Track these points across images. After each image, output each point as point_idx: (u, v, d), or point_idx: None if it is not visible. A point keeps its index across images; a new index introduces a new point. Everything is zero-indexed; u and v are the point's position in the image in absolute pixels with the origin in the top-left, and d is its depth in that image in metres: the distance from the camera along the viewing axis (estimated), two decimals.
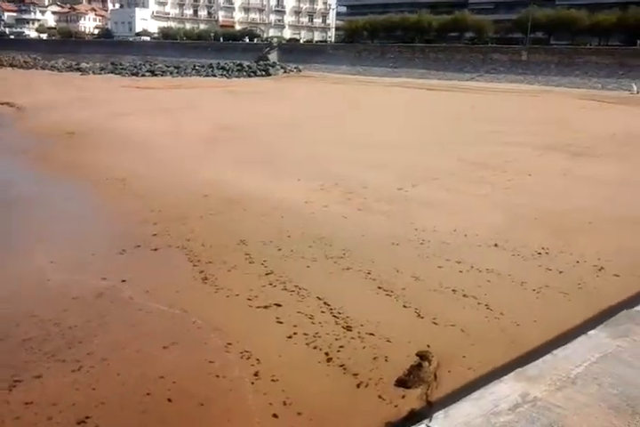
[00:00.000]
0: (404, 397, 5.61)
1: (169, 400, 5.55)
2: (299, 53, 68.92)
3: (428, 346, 6.46)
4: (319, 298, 7.70)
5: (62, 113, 27.48)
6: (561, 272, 8.70)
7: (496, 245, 9.89)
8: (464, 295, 7.83)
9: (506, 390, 4.35)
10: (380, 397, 5.62)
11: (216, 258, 9.15)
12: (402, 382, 5.83)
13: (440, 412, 4.15)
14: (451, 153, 18.32)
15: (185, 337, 6.76)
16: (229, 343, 6.55)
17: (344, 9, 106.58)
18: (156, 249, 9.59)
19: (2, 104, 31.93)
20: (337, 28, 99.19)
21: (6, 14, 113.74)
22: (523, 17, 64.84)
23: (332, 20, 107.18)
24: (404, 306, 7.51)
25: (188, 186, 13.67)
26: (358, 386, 5.81)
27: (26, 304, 7.57)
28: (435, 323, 7.07)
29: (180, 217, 11.29)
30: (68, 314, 7.32)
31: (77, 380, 5.86)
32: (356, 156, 17.41)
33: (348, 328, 6.90)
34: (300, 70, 63.50)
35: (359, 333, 6.80)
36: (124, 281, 8.27)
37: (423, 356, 6.24)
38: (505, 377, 4.61)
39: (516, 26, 67.09)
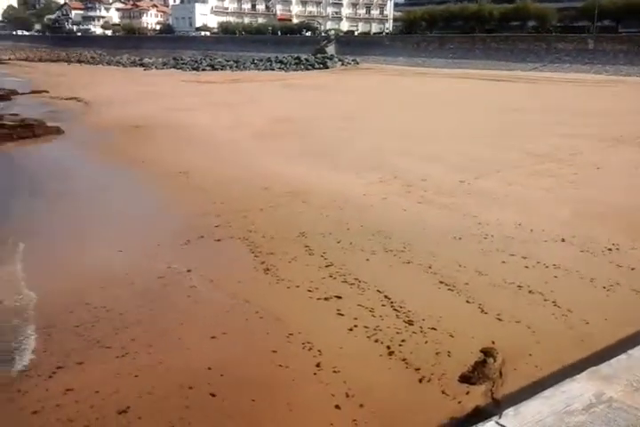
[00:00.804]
0: (468, 393, 5.52)
1: (228, 388, 5.65)
2: (356, 46, 68.56)
3: (493, 342, 6.33)
4: (379, 291, 7.67)
5: (127, 107, 28.33)
6: (633, 269, 8.34)
7: (563, 240, 9.57)
8: (530, 291, 7.62)
9: (578, 389, 4.20)
10: (443, 392, 5.55)
11: (277, 249, 9.24)
12: (466, 379, 5.73)
13: (510, 409, 4.05)
14: (514, 145, 17.83)
15: (248, 327, 6.87)
16: (291, 334, 6.61)
17: (402, 0, 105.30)
18: (218, 240, 9.78)
19: (70, 99, 33.22)
20: (395, 20, 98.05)
21: (74, 12, 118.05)
22: (589, 4, 62.27)
23: (389, 11, 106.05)
24: (467, 301, 7.38)
25: (249, 179, 13.84)
26: (420, 381, 5.75)
27: (89, 293, 7.87)
28: (499, 319, 6.91)
29: (242, 209, 11.46)
30: (131, 302, 7.57)
31: (139, 367, 6.04)
32: (415, 148, 17.21)
33: (410, 322, 6.83)
34: (357, 63, 63.15)
35: (421, 327, 6.73)
36: (188, 271, 8.48)
37: (488, 352, 6.12)
38: (577, 376, 4.45)
39: (582, 14, 64.51)
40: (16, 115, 24.80)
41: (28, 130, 20.75)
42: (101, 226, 10.83)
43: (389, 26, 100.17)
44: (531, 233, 9.89)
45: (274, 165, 15.20)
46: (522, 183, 13.24)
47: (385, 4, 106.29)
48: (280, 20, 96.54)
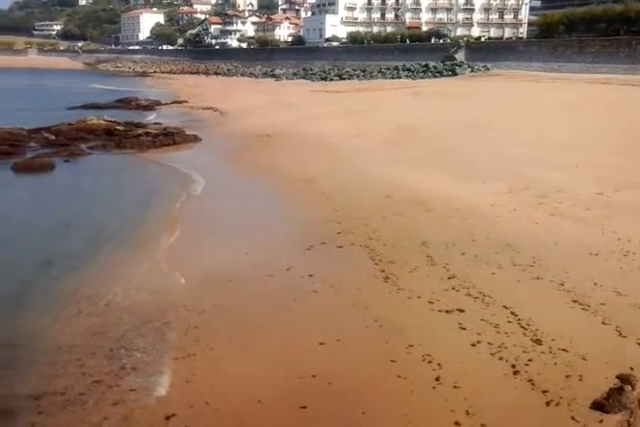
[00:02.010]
0: (601, 421, 5.12)
1: (346, 394, 5.66)
2: (487, 52, 66.49)
3: (632, 369, 5.82)
4: (505, 307, 7.33)
5: (259, 116, 29.59)
6: None
7: None
8: None
9: None
10: (572, 418, 5.19)
11: (398, 258, 9.16)
12: (599, 406, 5.32)
13: None
14: None
15: (366, 334, 6.86)
16: (410, 345, 6.50)
17: (538, 3, 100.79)
18: (340, 247, 9.88)
19: (207, 109, 35.30)
20: (529, 24, 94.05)
21: (213, 27, 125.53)
22: None
23: (524, 15, 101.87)
24: (603, 322, 6.84)
25: (372, 187, 13.87)
26: (548, 404, 5.42)
27: (218, 293, 8.25)
28: None
29: (363, 217, 11.50)
30: (249, 300, 7.85)
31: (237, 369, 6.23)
32: (548, 157, 16.30)
33: (538, 342, 6.46)
34: (488, 69, 61.21)
35: (550, 347, 6.34)
36: (310, 275, 8.64)
37: (625, 379, 5.63)
38: None
39: None
40: (159, 123, 26.86)
41: (169, 138, 22.32)
42: (231, 228, 11.38)
43: (524, 30, 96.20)
44: None
45: (397, 172, 15.11)
46: None
47: (520, 9, 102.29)
48: (409, 28, 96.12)
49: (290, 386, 5.88)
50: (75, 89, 56.15)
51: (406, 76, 61.01)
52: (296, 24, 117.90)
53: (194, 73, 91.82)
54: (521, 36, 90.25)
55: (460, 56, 68.75)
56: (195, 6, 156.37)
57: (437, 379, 5.82)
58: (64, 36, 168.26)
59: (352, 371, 6.10)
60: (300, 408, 5.53)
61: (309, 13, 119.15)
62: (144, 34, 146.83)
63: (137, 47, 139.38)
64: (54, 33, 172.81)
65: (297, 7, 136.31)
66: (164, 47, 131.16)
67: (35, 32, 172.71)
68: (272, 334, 6.97)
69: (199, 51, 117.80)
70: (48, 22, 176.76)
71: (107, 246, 10.36)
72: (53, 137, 21.95)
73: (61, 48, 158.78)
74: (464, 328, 6.84)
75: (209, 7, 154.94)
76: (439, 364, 6.08)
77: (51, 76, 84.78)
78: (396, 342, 6.61)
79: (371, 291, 8.05)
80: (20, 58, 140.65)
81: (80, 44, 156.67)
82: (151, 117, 31.54)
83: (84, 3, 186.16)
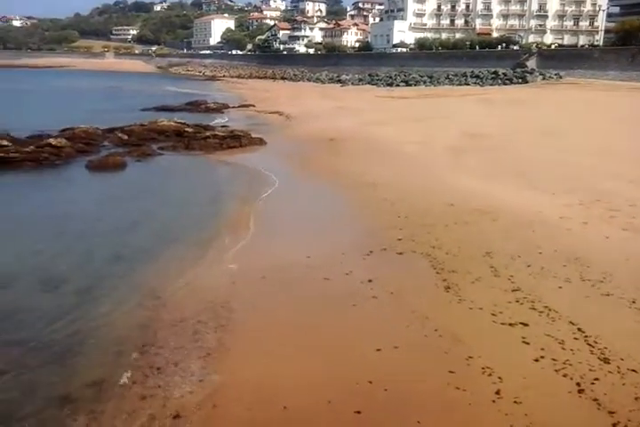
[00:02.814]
0: None
1: (402, 402, 5.59)
2: (560, 59, 64.51)
3: None
4: (572, 323, 7.08)
5: (323, 121, 29.78)
6: None
7: None
8: None
9: None
10: None
11: (460, 268, 9.00)
12: None
13: None
14: None
15: (425, 343, 6.77)
16: (470, 357, 6.37)
17: (616, 9, 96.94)
18: (400, 253, 9.80)
19: (273, 113, 35.82)
20: (606, 31, 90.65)
21: (282, 32, 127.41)
22: None
23: (601, 21, 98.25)
24: None
25: (435, 194, 13.69)
26: (614, 425, 5.19)
27: (276, 293, 8.35)
28: None
29: (426, 224, 11.36)
30: (304, 302, 7.89)
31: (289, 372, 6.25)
32: (623, 169, 15.64)
33: (606, 360, 6.20)
34: (560, 77, 59.38)
35: (618, 367, 6.07)
36: (370, 281, 8.61)
37: None
38: None
39: None
40: (226, 126, 27.47)
41: (236, 140, 22.78)
42: (293, 230, 11.50)
43: (600, 38, 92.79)
44: None
45: (462, 180, 14.87)
46: None
47: (596, 15, 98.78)
48: (479, 34, 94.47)
49: (345, 390, 5.87)
50: (147, 91, 58.24)
51: (474, 82, 60.02)
52: (364, 30, 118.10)
53: (261, 78, 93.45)
54: (597, 43, 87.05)
55: (532, 63, 67.06)
56: (265, 12, 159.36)
57: (497, 393, 5.68)
58: (139, 40, 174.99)
59: (409, 379, 6.03)
60: (354, 413, 5.52)
61: (377, 19, 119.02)
62: (215, 39, 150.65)
63: (207, 52, 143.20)
64: (130, 37, 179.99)
65: (365, 13, 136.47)
66: (234, 52, 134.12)
67: (112, 36, 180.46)
68: (329, 338, 6.99)
69: (267, 56, 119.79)
70: (125, 27, 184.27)
71: (173, 244, 10.69)
72: (126, 137, 22.82)
73: (136, 52, 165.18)
74: (527, 343, 6.65)
75: (278, 13, 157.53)
76: (500, 377, 5.93)
77: (125, 78, 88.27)
78: (455, 352, 6.50)
79: (431, 300, 7.95)
80: (97, 61, 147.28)
81: (154, 49, 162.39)
82: (219, 120, 32.29)
83: (158, 8, 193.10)
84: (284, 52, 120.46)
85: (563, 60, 64.77)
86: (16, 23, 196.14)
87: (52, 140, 19.15)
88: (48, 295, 8.39)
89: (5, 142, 18.07)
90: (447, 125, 26.90)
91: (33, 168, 17.66)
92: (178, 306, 7.89)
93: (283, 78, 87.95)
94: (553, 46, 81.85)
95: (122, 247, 10.62)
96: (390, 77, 69.06)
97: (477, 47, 79.66)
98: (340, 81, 73.80)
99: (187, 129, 24.43)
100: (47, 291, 8.54)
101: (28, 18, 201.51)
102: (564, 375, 5.95)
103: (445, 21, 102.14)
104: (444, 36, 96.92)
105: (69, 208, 13.60)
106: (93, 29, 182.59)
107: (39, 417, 5.57)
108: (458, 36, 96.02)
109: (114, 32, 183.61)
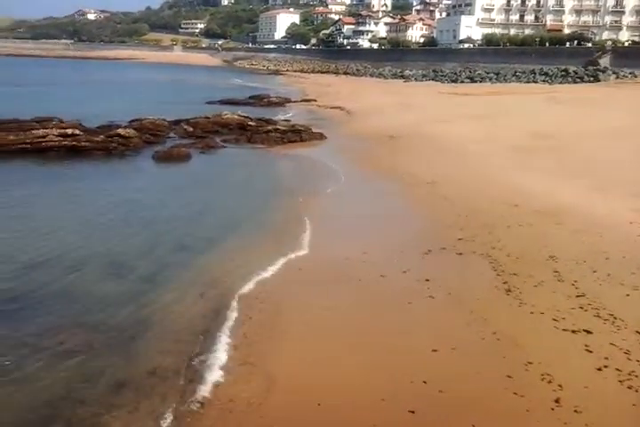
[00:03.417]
0: None
1: (457, 404, 5.53)
2: (636, 57, 61.65)
3: None
4: (638, 332, 6.80)
5: (385, 117, 29.58)
6: None
7: None
8: None
9: None
10: None
11: (522, 271, 8.79)
12: None
13: None
14: None
15: (482, 346, 6.66)
16: (530, 362, 6.23)
17: None
18: (460, 253, 9.66)
19: (334, 108, 35.84)
20: None
21: (346, 27, 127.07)
22: None
23: None
24: None
25: (497, 194, 13.40)
26: None
27: (331, 288, 8.38)
28: None
29: (487, 225, 11.15)
30: (368, 303, 7.88)
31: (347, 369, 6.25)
32: None
33: None
34: (635, 76, 56.75)
35: None
36: (427, 280, 8.53)
37: None
38: None
39: None
40: (288, 120, 27.71)
41: (297, 135, 22.96)
42: (352, 226, 11.54)
43: None
44: None
45: (526, 181, 14.47)
46: None
47: None
48: (549, 30, 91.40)
49: (399, 389, 5.86)
50: (212, 84, 59.41)
51: (543, 80, 58.19)
52: (429, 25, 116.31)
53: (324, 72, 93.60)
54: None
55: (605, 61, 64.43)
56: (330, 6, 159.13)
57: (557, 401, 5.53)
58: (206, 34, 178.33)
59: (465, 382, 5.95)
60: (408, 412, 5.49)
61: (444, 14, 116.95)
62: (279, 33, 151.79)
63: (272, 46, 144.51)
64: (197, 31, 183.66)
65: (431, 8, 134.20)
66: (298, 46, 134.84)
67: (180, 30, 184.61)
68: (383, 335, 6.97)
69: (331, 50, 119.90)
70: (193, 21, 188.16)
71: (235, 234, 10.93)
72: (191, 129, 23.38)
73: (203, 45, 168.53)
74: (590, 351, 6.44)
75: (343, 7, 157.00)
76: (560, 385, 5.77)
77: (192, 71, 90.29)
78: (514, 357, 6.37)
79: (490, 302, 7.80)
80: (165, 54, 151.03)
81: (220, 42, 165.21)
82: (281, 114, 32.60)
83: (226, 3, 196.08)
84: (348, 47, 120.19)
85: (639, 58, 61.89)
86: (91, 16, 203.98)
87: (120, 131, 19.83)
88: (115, 281, 8.71)
89: (77, 131, 18.85)
90: (512, 124, 26.19)
91: (102, 157, 18.36)
92: (239, 295, 8.06)
93: (345, 73, 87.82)
94: (626, 44, 78.24)
95: (186, 236, 10.94)
96: (455, 73, 67.88)
97: (547, 44, 77.15)
98: (403, 77, 73.02)
99: (249, 122, 24.79)
100: (115, 277, 8.87)
101: (102, 11, 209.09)
102: (629, 387, 5.74)
103: (515, 17, 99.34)
104: (512, 31, 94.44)
105: (137, 197, 14.07)
106: (163, 23, 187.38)
107: (101, 401, 5.75)
108: (527, 32, 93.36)
109: (182, 26, 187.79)
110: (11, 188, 13.98)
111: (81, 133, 18.83)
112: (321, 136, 23.43)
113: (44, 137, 18.06)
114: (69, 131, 18.58)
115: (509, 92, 46.50)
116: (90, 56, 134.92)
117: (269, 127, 23.80)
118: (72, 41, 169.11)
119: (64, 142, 18.22)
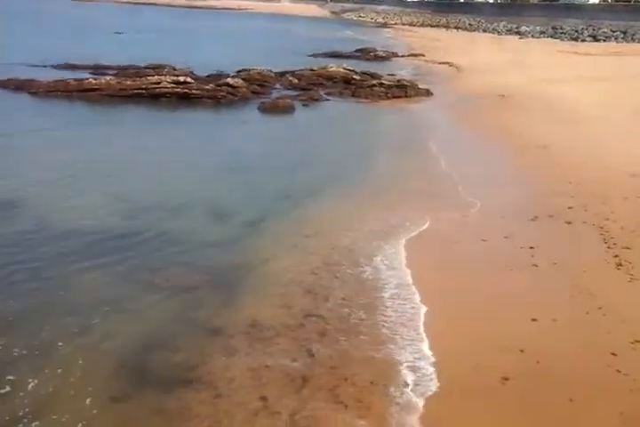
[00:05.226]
0: None
1: (554, 376, 5.37)
2: None
3: None
4: None
5: (495, 75, 28.12)
6: None
7: None
8: None
9: None
10: None
11: (636, 245, 8.26)
12: None
13: None
14: None
15: (585, 320, 6.40)
16: (637, 340, 5.91)
17: None
18: (569, 222, 9.19)
19: (443, 63, 34.50)
20: None
21: None
22: None
23: None
24: None
25: (615, 162, 12.51)
26: None
27: (427, 251, 8.26)
28: None
29: (600, 194, 10.49)
30: (468, 265, 7.72)
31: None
32: None
33: None
34: None
35: None
36: (531, 248, 8.22)
37: None
38: None
39: None
40: (393, 75, 27.05)
41: (402, 90, 22.41)
42: (454, 186, 11.23)
43: None
44: None
45: None
46: None
47: None
48: None
49: (494, 355, 5.76)
50: (319, 36, 58.74)
51: None
52: None
53: (434, 26, 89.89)
54: None
55: None
56: None
57: None
58: None
59: (564, 355, 5.76)
60: (501, 378, 5.40)
61: None
62: None
63: None
64: None
65: None
66: None
67: None
68: (482, 300, 6.85)
69: (442, 3, 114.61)
70: None
71: (336, 185, 11.02)
72: (296, 81, 23.41)
73: None
74: None
75: None
76: None
77: (299, 22, 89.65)
78: (619, 334, 6.07)
79: (598, 275, 7.42)
80: (274, 4, 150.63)
81: None
82: (387, 69, 31.84)
83: None
84: (461, 0, 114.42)
85: None
86: None
87: (229, 80, 20.21)
88: (216, 226, 9.04)
89: (189, 79, 19.42)
90: (636, 88, 24.13)
91: (211, 105, 18.86)
92: (335, 251, 8.15)
93: (457, 28, 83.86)
94: None
95: (289, 185, 11.15)
96: (576, 31, 63.07)
97: None
98: (518, 33, 68.80)
99: (354, 76, 24.43)
100: (216, 222, 9.20)
101: None
102: None
103: None
104: None
105: (242, 146, 14.43)
106: None
107: (194, 344, 5.88)
108: None
109: None
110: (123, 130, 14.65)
111: (192, 82, 19.38)
112: (427, 92, 22.74)
113: (158, 83, 18.77)
114: (182, 78, 19.19)
115: (636, 53, 42.69)
116: (197, 5, 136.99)
117: (374, 82, 23.36)
118: None
119: (176, 89, 18.86)
